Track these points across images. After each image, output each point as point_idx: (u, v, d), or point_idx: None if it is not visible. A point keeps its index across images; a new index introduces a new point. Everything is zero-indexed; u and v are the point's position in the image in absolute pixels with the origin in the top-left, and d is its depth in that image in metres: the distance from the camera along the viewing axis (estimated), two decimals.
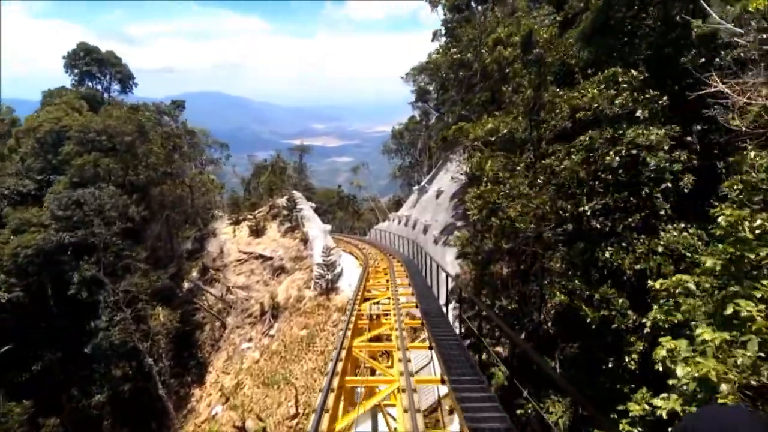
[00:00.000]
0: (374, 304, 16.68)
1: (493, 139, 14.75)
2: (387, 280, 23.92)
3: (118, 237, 25.29)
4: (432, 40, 41.60)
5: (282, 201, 37.25)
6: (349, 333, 12.15)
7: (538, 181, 11.62)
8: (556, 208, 9.92)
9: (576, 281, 9.95)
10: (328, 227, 40.41)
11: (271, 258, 34.76)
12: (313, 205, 41.25)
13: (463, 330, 23.96)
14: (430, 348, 12.53)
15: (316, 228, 36.51)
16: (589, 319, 9.86)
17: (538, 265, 14.61)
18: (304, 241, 34.56)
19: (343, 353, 10.31)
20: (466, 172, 32.89)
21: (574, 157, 9.30)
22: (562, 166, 8.86)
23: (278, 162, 50.61)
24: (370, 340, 13.11)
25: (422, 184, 44.25)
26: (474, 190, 14.63)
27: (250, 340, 31.61)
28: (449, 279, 16.81)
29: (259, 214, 38.92)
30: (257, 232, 37.07)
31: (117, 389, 27.97)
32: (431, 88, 44.90)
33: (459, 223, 31.09)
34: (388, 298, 18.87)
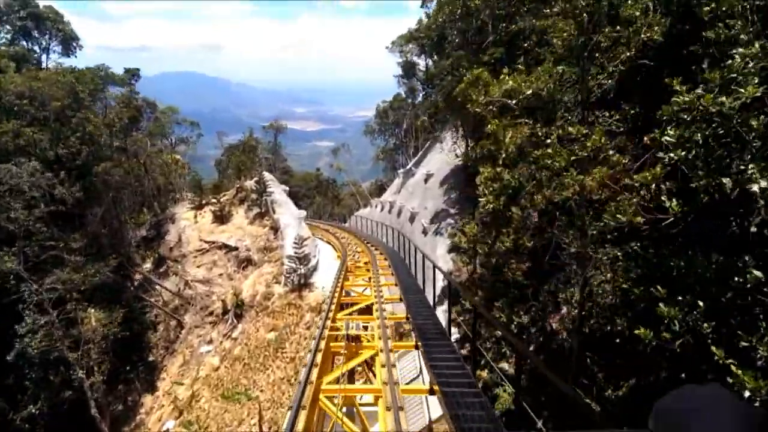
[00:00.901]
0: (351, 314, 12.94)
1: (513, 102, 10.96)
2: (369, 279, 20.19)
3: (44, 223, 21.06)
4: (422, 6, 37.60)
5: (250, 184, 33.14)
6: (315, 371, 8.43)
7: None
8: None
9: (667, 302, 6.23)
10: (303, 213, 36.46)
11: (236, 248, 30.77)
12: (286, 188, 37.20)
13: (457, 335, 20.03)
14: (431, 392, 8.71)
15: (288, 215, 32.55)
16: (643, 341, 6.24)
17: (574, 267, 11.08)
18: (275, 229, 30.62)
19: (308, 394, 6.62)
20: (464, 153, 29.21)
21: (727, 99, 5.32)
22: (713, 110, 4.99)
23: (249, 141, 46.13)
24: (349, 375, 9.45)
25: (408, 166, 40.44)
26: (487, 169, 10.99)
27: (210, 342, 27.73)
28: (441, 277, 13.02)
29: (224, 198, 34.74)
30: (222, 218, 32.96)
31: (53, 401, 23.90)
32: (419, 61, 40.93)
33: (452, 210, 27.47)
34: (370, 306, 15.21)
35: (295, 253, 26.05)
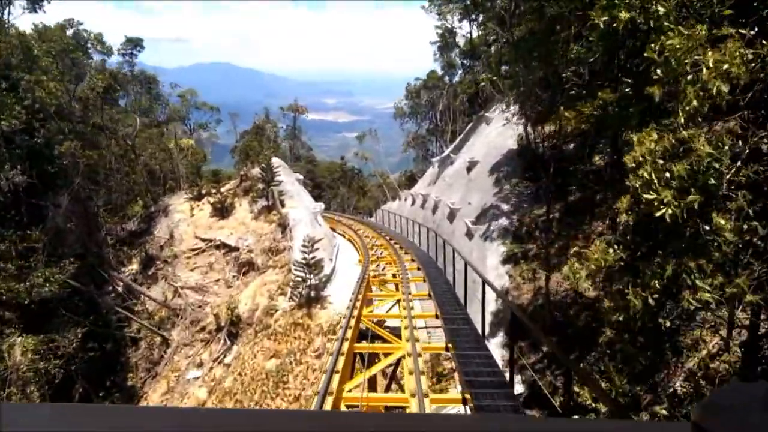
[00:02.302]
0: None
1: None
2: (399, 302, 14.90)
3: None
4: None
5: (257, 171, 27.95)
6: None
7: None
8: None
9: None
10: (320, 207, 31.16)
11: (236, 248, 25.66)
12: (300, 177, 31.91)
13: (522, 389, 14.64)
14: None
15: (301, 208, 27.26)
16: None
17: None
18: (283, 226, 25.36)
19: None
20: (524, 133, 23.42)
21: None
22: None
23: (263, 123, 40.93)
24: None
25: (445, 153, 34.64)
26: (648, 136, 5.44)
27: (200, 365, 22.76)
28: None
29: (226, 188, 29.66)
30: (222, 211, 27.89)
31: None
32: (460, 28, 34.89)
33: (504, 207, 21.66)
34: (402, 358, 10.18)
35: (304, 258, 20.72)
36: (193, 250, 26.75)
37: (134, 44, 36.91)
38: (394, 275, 19.93)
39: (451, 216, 25.10)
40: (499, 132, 26.63)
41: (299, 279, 20.97)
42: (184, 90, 57.79)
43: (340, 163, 69.43)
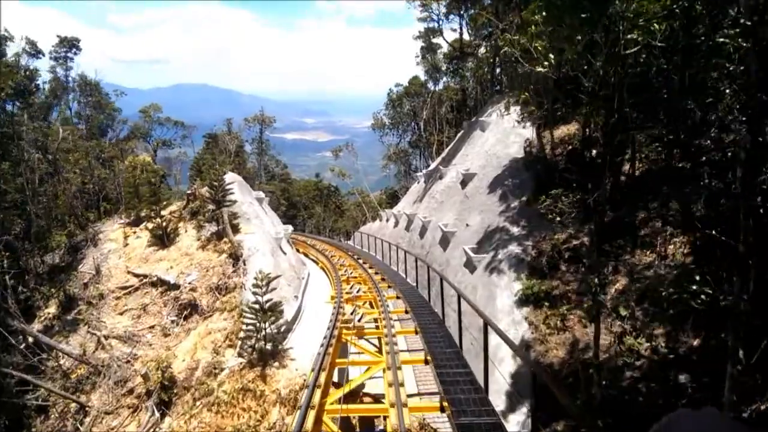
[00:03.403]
0: None
1: None
2: (384, 371, 10.38)
3: None
4: None
5: (205, 190, 23.27)
6: None
7: None
8: None
9: None
10: (287, 230, 26.48)
11: (177, 286, 20.79)
12: (261, 195, 27.20)
13: None
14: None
15: (259, 234, 22.56)
16: None
17: None
18: (235, 257, 20.60)
19: None
20: (536, 137, 19.42)
21: None
22: None
23: (223, 135, 36.07)
24: None
25: (433, 165, 30.34)
26: None
27: None
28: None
29: (169, 211, 24.79)
30: (163, 239, 23.03)
31: None
32: (449, 20, 30.74)
33: (514, 230, 17.30)
34: None
35: (258, 300, 16.02)
36: (123, 288, 21.77)
37: (69, 45, 32.10)
38: (375, 322, 15.40)
39: (445, 241, 20.67)
40: (498, 139, 22.49)
41: (251, 328, 16.21)
42: (146, 106, 53.35)
43: (315, 181, 64.83)
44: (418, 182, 31.79)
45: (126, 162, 34.91)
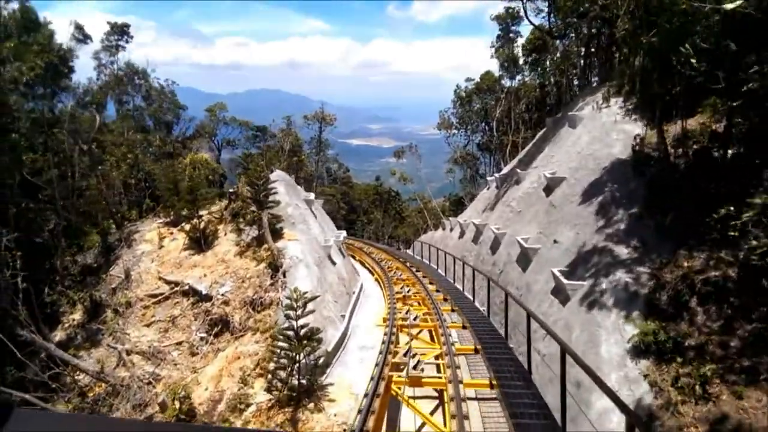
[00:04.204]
0: None
1: None
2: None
3: None
4: None
5: (246, 189, 20.81)
6: None
7: None
8: None
9: None
10: (339, 236, 23.65)
11: (209, 297, 18.31)
12: (311, 196, 24.49)
13: None
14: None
15: (305, 241, 19.77)
16: None
17: None
18: (274, 267, 17.83)
19: None
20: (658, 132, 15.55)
21: None
22: None
23: (281, 133, 33.88)
24: None
25: (506, 169, 26.60)
26: None
27: None
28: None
29: (209, 212, 22.53)
30: (200, 242, 20.73)
31: None
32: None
33: (624, 251, 13.35)
34: None
35: (291, 324, 13.08)
36: (153, 296, 19.57)
37: (120, 32, 30.94)
38: (436, 360, 12.14)
39: (524, 259, 16.99)
40: (594, 136, 18.54)
41: (283, 361, 13.29)
42: (212, 105, 52.98)
43: (375, 184, 62.08)
44: (489, 188, 28.09)
45: (187, 159, 33.60)
